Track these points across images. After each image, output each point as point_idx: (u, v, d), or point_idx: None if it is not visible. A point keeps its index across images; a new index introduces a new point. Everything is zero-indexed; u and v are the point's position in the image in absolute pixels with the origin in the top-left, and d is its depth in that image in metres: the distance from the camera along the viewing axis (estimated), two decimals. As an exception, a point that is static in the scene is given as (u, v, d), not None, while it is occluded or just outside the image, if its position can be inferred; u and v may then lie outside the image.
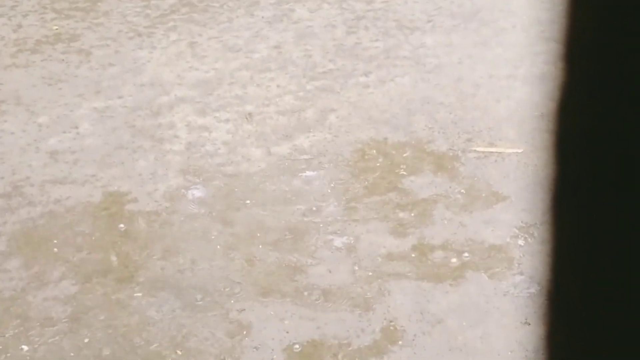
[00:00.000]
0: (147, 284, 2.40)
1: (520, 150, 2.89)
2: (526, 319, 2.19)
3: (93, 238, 2.57)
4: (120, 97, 3.33)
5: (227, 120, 3.21)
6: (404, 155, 2.92)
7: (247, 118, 3.23)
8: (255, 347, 2.22)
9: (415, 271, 2.38)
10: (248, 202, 2.72)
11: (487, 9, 4.13)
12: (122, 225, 2.62)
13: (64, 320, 2.29)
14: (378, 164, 2.87)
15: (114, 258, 2.49)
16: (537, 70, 3.45)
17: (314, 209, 2.67)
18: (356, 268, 2.41)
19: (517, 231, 2.50)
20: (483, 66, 3.53)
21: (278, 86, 3.45)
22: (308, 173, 2.85)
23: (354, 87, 3.42)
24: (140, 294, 2.37)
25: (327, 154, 2.95)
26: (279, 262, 2.45)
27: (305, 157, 2.95)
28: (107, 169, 2.89)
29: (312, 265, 2.43)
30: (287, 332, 2.24)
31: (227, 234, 2.58)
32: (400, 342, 2.19)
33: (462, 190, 2.70)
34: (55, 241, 2.55)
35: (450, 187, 2.72)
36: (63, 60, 3.57)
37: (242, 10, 4.17)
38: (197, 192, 2.78)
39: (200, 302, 2.33)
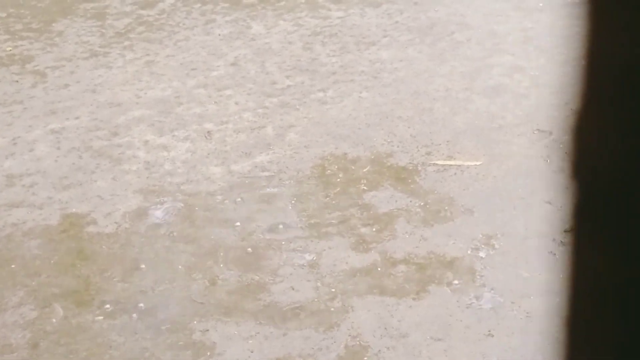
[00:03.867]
0: (108, 307, 2.37)
1: (479, 163, 2.91)
2: (489, 331, 2.20)
3: (52, 262, 2.53)
4: (76, 118, 3.29)
5: (186, 139, 3.19)
6: (364, 170, 2.92)
7: (206, 136, 3.21)
8: (220, 368, 2.20)
9: (378, 286, 2.38)
10: (209, 221, 2.70)
11: (442, 23, 4.17)
12: (81, 248, 2.58)
13: (23, 347, 2.25)
14: (338, 180, 2.88)
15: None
16: (492, 82, 3.48)
17: (276, 226, 2.66)
18: (319, 284, 2.40)
19: (478, 243, 2.51)
20: (440, 80, 3.55)
21: (236, 103, 3.44)
22: (269, 190, 2.84)
23: (312, 103, 3.42)
24: (101, 317, 2.34)
25: (287, 171, 2.95)
26: (242, 281, 2.44)
27: (266, 174, 2.94)
28: (65, 191, 2.85)
29: (274, 283, 2.42)
30: (252, 352, 2.22)
31: (188, 254, 2.56)
32: (365, 358, 2.18)
33: (423, 204, 2.71)
34: (13, 266, 2.51)
35: (410, 201, 2.73)
36: (17, 81, 3.52)
37: (198, 28, 4.16)
38: (157, 212, 2.76)
39: (162, 324, 2.30)
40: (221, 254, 2.55)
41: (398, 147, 3.05)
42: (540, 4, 4.30)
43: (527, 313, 2.24)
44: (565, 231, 2.53)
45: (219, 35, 4.07)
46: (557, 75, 3.52)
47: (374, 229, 2.61)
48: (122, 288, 2.43)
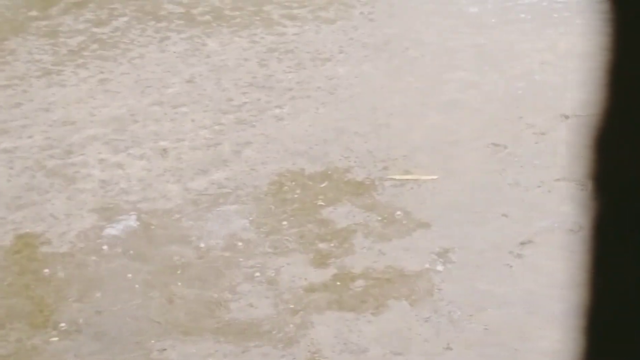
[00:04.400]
0: (63, 328, 2.33)
1: (435, 177, 2.93)
2: (448, 344, 2.21)
3: (5, 283, 2.48)
4: (29, 137, 3.25)
5: (142, 157, 3.16)
6: (322, 185, 2.93)
7: (162, 154, 3.19)
8: (178, 387, 2.17)
9: (338, 301, 2.38)
10: (166, 239, 2.68)
11: (397, 39, 4.20)
12: (35, 268, 2.54)
13: (-24, 370, 2.20)
14: (296, 196, 2.87)
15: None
16: (447, 98, 3.52)
17: (233, 243, 2.65)
18: (278, 301, 2.39)
19: (435, 257, 2.53)
20: (395, 95, 3.58)
21: (192, 121, 3.42)
22: (226, 207, 2.83)
23: (269, 119, 3.42)
24: (56, 339, 2.30)
25: (244, 188, 2.94)
26: (200, 299, 2.42)
27: (223, 191, 2.93)
28: (18, 211, 2.80)
29: (233, 301, 2.41)
30: (211, 370, 2.20)
31: (145, 273, 2.53)
32: (325, 374, 2.18)
33: (381, 219, 2.72)
34: (-36, 288, 2.46)
35: (368, 216, 2.73)
36: (-32, 100, 3.47)
37: (153, 45, 4.14)
38: (112, 231, 2.73)
39: (119, 344, 2.27)
40: (179, 272, 2.53)
41: (355, 162, 3.06)
42: (493, 20, 4.36)
43: (485, 326, 2.26)
44: (521, 243, 2.56)
45: (174, 52, 4.06)
46: (510, 90, 3.56)
47: (332, 245, 2.61)
48: (78, 308, 2.40)
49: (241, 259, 2.57)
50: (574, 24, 4.20)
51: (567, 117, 3.28)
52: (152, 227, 2.74)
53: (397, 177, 2.95)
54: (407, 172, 2.98)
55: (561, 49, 3.91)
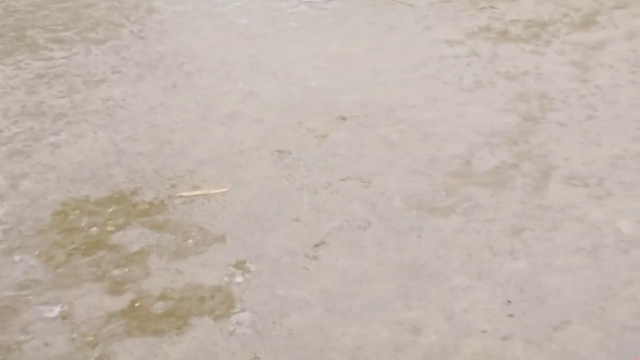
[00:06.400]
0: None
1: (224, 190, 2.93)
2: (255, 354, 2.21)
3: None
4: None
5: None
6: (109, 210, 2.83)
7: None
8: None
9: (139, 327, 2.31)
10: (-57, 286, 2.48)
11: (171, 55, 4.16)
12: None
13: None
14: (83, 224, 2.76)
15: None
16: (228, 110, 3.53)
17: (20, 282, 2.50)
18: (75, 335, 2.29)
19: (233, 269, 2.52)
20: (175, 111, 3.54)
21: (-40, 157, 3.20)
22: (8, 244, 2.67)
23: (45, 147, 3.27)
24: None
25: (26, 222, 2.79)
26: (-11, 345, 2.26)
27: (2, 227, 2.76)
28: None
29: (25, 342, 2.27)
30: (9, 419, 2.06)
31: None
32: (133, 404, 2.10)
33: (174, 238, 2.67)
34: None
35: (161, 236, 2.68)
36: None
37: None
38: None
39: None
40: (-39, 319, 2.35)
41: (141, 183, 2.99)
42: (264, 30, 4.43)
43: (289, 331, 2.28)
44: (315, 245, 2.61)
45: None
46: (288, 97, 3.63)
47: (126, 270, 2.53)
48: None
49: (30, 297, 2.43)
50: (341, 28, 4.36)
51: (344, 118, 3.39)
52: None
53: (186, 193, 2.92)
54: (196, 188, 2.95)
55: (331, 54, 4.03)
